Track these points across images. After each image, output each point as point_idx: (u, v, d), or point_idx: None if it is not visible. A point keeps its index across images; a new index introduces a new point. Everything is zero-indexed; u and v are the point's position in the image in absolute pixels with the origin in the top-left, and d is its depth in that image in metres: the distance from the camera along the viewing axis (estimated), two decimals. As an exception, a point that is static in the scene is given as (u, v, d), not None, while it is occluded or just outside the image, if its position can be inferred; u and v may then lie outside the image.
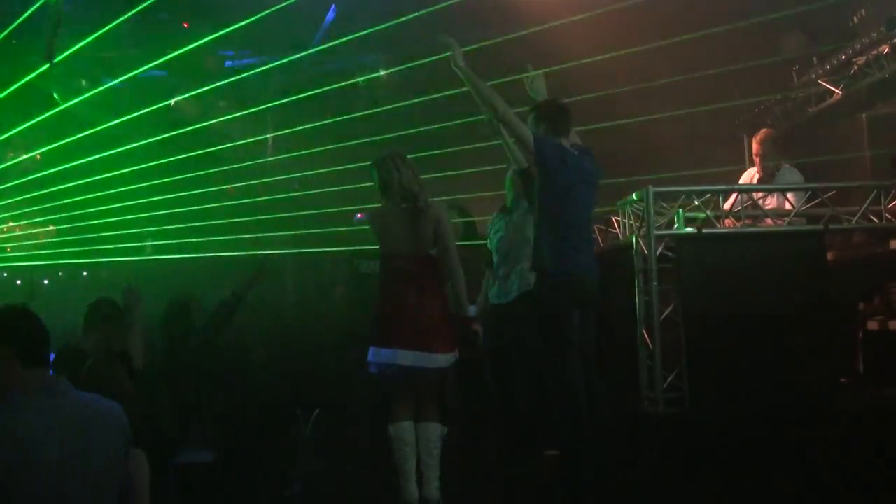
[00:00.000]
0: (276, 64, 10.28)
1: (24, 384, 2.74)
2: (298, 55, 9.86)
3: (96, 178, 11.26)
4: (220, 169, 11.15)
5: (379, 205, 5.01)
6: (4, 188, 12.59)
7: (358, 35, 8.94)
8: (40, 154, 12.04)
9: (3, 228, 13.77)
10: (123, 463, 2.84)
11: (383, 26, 8.52)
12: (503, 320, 5.53)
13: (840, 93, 7.39)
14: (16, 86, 9.75)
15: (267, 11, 8.22)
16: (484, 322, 5.36)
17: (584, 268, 4.66)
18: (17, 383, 2.73)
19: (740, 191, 6.11)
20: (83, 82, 10.74)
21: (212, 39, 9.14)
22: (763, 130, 6.71)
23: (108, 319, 4.87)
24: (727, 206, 6.04)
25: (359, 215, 7.79)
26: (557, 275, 4.60)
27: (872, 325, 6.10)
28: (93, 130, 10.61)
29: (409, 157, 5.02)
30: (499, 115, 4.59)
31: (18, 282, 14.20)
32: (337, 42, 9.35)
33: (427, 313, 4.81)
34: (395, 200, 4.88)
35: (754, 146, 6.65)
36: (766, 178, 6.54)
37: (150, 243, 13.19)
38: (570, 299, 4.58)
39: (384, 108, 10.02)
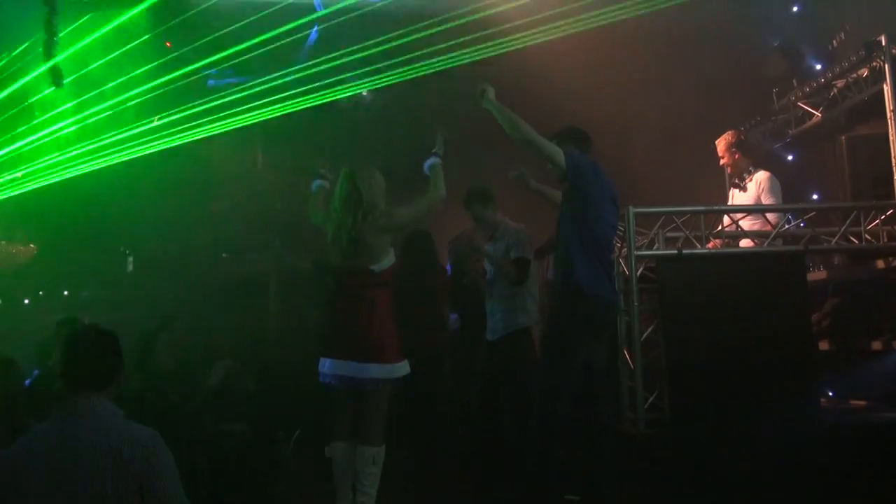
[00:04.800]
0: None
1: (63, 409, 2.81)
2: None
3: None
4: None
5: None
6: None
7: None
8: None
9: None
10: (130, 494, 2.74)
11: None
12: (492, 356, 5.56)
13: (820, 115, 7.46)
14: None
15: (245, 21, 8.25)
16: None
17: (612, 292, 4.61)
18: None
19: (719, 212, 6.14)
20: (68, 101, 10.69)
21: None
22: (724, 134, 6.71)
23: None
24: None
25: None
26: (593, 297, 4.47)
27: (876, 345, 6.12)
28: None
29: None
30: (523, 139, 4.46)
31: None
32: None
33: (365, 324, 4.82)
34: (345, 213, 4.92)
35: (719, 151, 6.67)
36: (738, 179, 6.60)
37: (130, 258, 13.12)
38: (596, 324, 4.50)
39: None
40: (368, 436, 4.79)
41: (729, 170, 6.77)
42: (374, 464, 4.76)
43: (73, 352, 2.89)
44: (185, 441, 4.86)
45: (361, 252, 4.88)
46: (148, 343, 5.27)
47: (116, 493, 2.68)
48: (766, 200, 6.29)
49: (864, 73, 6.61)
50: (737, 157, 6.56)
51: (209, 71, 10.17)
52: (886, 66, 6.13)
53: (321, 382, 4.89)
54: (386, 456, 4.83)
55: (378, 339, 4.82)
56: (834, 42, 7.82)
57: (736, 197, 6.61)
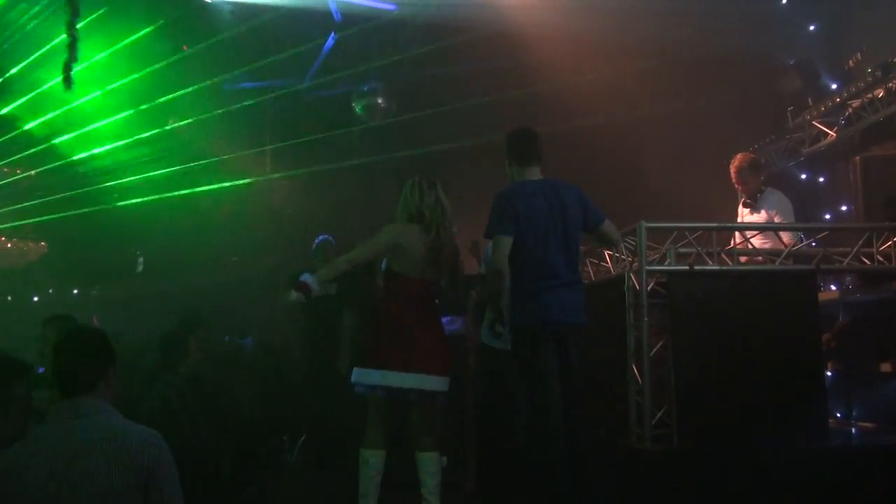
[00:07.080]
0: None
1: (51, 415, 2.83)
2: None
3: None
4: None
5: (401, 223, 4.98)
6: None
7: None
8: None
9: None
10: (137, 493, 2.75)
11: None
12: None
13: (834, 135, 7.44)
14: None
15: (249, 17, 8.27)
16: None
17: (556, 312, 4.54)
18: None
19: (732, 229, 6.11)
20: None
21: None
22: (738, 156, 6.71)
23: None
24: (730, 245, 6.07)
25: None
26: (522, 327, 4.53)
27: (885, 367, 6.09)
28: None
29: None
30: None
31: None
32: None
33: (439, 337, 4.93)
34: (424, 225, 4.89)
35: (732, 174, 6.66)
36: (751, 200, 6.59)
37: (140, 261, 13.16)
38: (536, 347, 4.49)
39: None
40: (432, 441, 4.85)
41: (740, 189, 6.77)
42: (440, 469, 4.84)
43: (61, 356, 2.90)
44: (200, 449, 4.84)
45: (442, 264, 4.96)
46: (178, 345, 5.18)
47: (126, 491, 2.70)
48: (779, 221, 6.28)
49: (880, 93, 6.60)
50: (751, 179, 6.56)
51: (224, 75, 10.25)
52: (902, 87, 6.13)
53: (360, 392, 4.87)
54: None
55: (447, 352, 4.93)
56: (850, 62, 7.81)
57: (747, 217, 6.60)
